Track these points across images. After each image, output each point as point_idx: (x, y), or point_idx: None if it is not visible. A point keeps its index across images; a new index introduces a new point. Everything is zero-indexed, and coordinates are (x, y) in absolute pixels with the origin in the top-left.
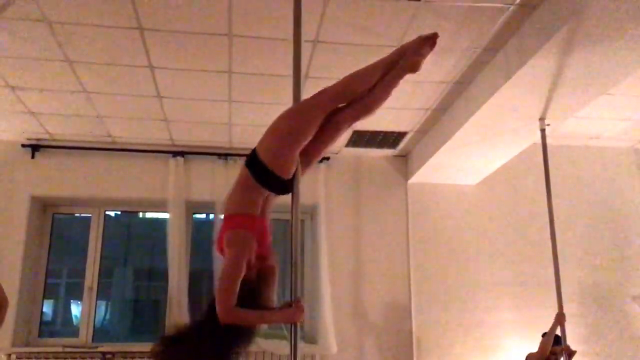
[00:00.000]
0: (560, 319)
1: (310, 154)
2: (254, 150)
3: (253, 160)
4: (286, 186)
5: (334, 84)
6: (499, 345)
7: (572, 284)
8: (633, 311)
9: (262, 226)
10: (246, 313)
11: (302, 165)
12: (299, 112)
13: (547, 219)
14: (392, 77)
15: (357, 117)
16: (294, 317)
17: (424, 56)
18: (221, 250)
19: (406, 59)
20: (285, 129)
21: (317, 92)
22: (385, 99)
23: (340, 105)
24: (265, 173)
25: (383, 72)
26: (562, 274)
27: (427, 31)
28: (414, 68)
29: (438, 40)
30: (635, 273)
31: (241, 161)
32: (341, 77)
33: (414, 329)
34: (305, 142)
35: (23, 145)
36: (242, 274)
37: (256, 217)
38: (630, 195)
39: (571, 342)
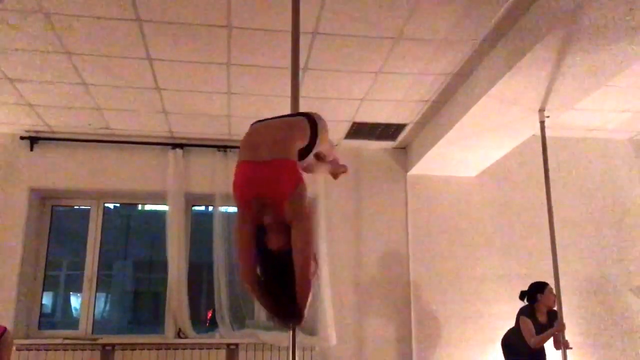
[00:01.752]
0: (561, 328)
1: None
2: (310, 115)
3: (314, 128)
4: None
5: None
6: (498, 337)
7: (571, 275)
8: (632, 303)
9: None
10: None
11: None
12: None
13: (546, 211)
14: None
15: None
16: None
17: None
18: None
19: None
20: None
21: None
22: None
23: None
24: (309, 150)
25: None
26: (561, 266)
27: (426, 23)
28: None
29: (438, 33)
30: (634, 265)
31: None
32: (339, 69)
33: (413, 321)
34: None
35: (22, 138)
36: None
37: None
38: (629, 187)
39: (570, 333)
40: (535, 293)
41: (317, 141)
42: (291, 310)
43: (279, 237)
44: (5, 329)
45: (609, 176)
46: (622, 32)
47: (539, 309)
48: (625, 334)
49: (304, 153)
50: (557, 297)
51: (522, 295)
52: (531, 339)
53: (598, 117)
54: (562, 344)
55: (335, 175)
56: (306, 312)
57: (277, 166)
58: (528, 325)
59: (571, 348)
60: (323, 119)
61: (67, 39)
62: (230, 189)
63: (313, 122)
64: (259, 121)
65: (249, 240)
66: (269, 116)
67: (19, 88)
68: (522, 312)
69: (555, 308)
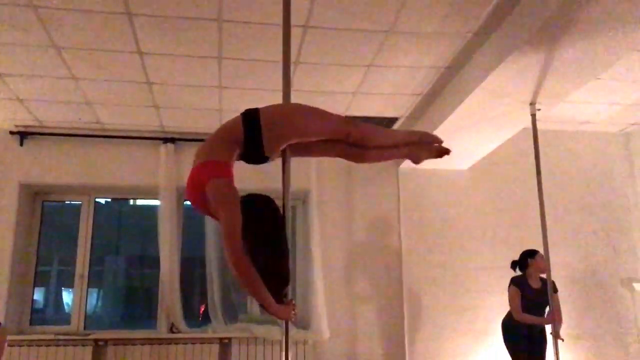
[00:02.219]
0: (551, 320)
1: (296, 150)
2: (257, 112)
3: (252, 121)
4: (261, 160)
5: (363, 128)
6: (490, 329)
7: (562, 267)
8: (622, 295)
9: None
10: (252, 274)
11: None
12: (322, 121)
13: (537, 203)
14: (394, 153)
15: (346, 157)
16: (283, 314)
17: (428, 158)
18: (196, 202)
19: (414, 151)
20: (302, 125)
21: (349, 118)
22: (378, 161)
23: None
24: (257, 140)
25: (394, 144)
26: (552, 258)
27: (418, 16)
28: (414, 161)
29: (429, 26)
30: (625, 257)
31: None
32: (330, 62)
33: (406, 314)
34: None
35: (11, 133)
36: (240, 222)
37: (231, 165)
38: (620, 179)
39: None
40: (525, 258)
41: (265, 130)
42: None
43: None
44: (0, 323)
45: (600, 168)
46: (612, 25)
47: (531, 275)
48: (616, 325)
49: (250, 145)
50: (550, 292)
51: (514, 265)
52: (516, 311)
53: (589, 110)
54: (555, 335)
55: (417, 159)
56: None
57: (195, 169)
58: (513, 295)
59: (562, 340)
60: (287, 105)
61: (56, 32)
62: None
63: (249, 116)
64: None
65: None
66: (277, 104)
67: (8, 82)
68: (511, 281)
69: (545, 275)
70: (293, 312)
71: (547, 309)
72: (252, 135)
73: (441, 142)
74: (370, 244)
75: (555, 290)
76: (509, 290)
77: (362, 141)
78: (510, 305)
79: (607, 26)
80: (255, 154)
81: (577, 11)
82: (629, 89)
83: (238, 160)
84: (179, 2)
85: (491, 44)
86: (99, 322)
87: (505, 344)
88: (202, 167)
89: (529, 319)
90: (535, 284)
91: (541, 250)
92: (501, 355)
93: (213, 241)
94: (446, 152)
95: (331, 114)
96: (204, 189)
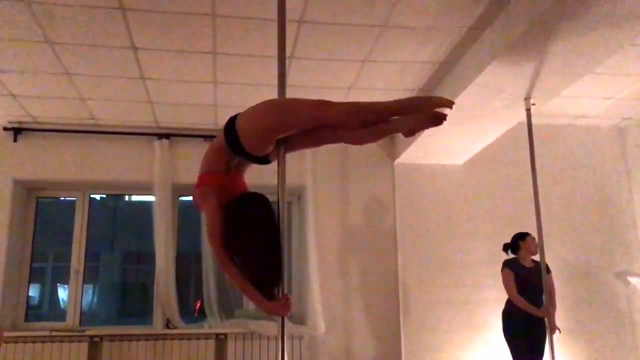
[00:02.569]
0: (545, 314)
1: (291, 145)
2: (234, 118)
3: (230, 128)
4: (257, 159)
5: (340, 107)
6: (485, 323)
7: (557, 261)
8: (617, 288)
9: (232, 180)
10: (235, 276)
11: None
12: (291, 112)
13: (532, 198)
14: (385, 130)
15: (338, 141)
16: (279, 311)
17: (423, 129)
18: (198, 206)
19: (406, 122)
20: (271, 121)
21: (321, 100)
22: (372, 142)
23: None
24: (238, 144)
25: (382, 119)
26: (547, 252)
27: (412, 11)
28: (408, 134)
29: (424, 21)
30: (619, 250)
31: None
32: (325, 57)
33: (401, 309)
34: (288, 134)
35: (5, 129)
36: (218, 221)
37: (220, 173)
38: (614, 174)
39: (556, 319)
40: (517, 241)
41: (242, 135)
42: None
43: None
44: None
45: (594, 163)
46: (606, 19)
47: (522, 257)
48: (610, 318)
49: (235, 150)
50: (544, 271)
51: (506, 247)
52: (512, 292)
53: (583, 105)
54: (550, 328)
55: (409, 131)
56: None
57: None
58: (507, 276)
59: (559, 331)
60: (265, 102)
61: (49, 28)
62: None
63: (228, 123)
64: None
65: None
66: (255, 104)
67: (2, 78)
68: (504, 263)
69: (537, 257)
70: (288, 307)
71: (544, 296)
72: (232, 141)
73: (450, 103)
74: (366, 240)
75: (548, 271)
76: (502, 273)
77: (346, 122)
78: (505, 287)
79: (601, 21)
80: (249, 157)
81: (571, 6)
82: (623, 83)
83: (241, 163)
84: None
85: (486, 39)
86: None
87: (505, 335)
88: (198, 179)
89: (525, 304)
90: (528, 264)
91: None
92: (496, 348)
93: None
94: (442, 117)
95: (303, 102)
96: (195, 197)
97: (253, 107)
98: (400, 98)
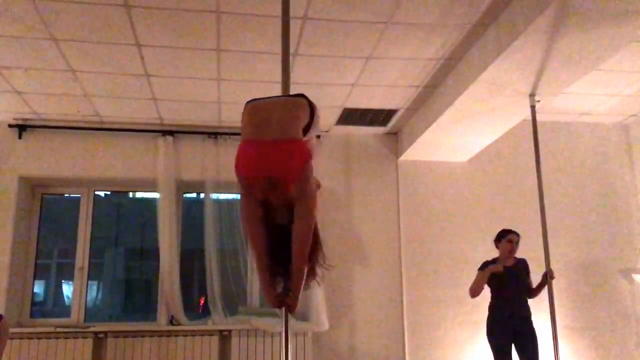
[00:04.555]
0: (549, 274)
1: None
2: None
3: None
4: None
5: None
6: None
7: (562, 258)
8: (621, 285)
9: None
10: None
11: None
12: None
13: (537, 195)
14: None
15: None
16: (279, 304)
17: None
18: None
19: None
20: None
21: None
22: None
23: None
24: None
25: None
26: (551, 249)
27: (416, 7)
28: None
29: (428, 18)
30: (623, 248)
31: (231, 139)
32: (329, 54)
33: (404, 305)
34: None
35: (10, 126)
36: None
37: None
38: (619, 171)
39: (560, 316)
40: (496, 241)
41: (313, 124)
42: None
43: (284, 214)
44: (1, 316)
45: (599, 160)
46: (611, 16)
47: (501, 258)
48: (614, 316)
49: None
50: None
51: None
52: (472, 290)
53: (588, 101)
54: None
55: None
56: (300, 296)
57: (286, 146)
58: (476, 278)
59: (554, 277)
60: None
61: (53, 25)
62: (221, 176)
63: (311, 104)
64: (254, 100)
65: (258, 217)
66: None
67: (7, 75)
68: (482, 265)
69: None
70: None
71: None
72: (309, 124)
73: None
74: (370, 237)
75: (527, 273)
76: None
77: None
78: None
79: (606, 17)
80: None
81: (576, 2)
82: (629, 80)
83: None
84: None
85: (490, 36)
86: (99, 315)
87: (489, 343)
88: (292, 147)
89: (477, 282)
90: (508, 262)
91: (540, 241)
92: None
93: (212, 234)
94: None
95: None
96: (292, 170)
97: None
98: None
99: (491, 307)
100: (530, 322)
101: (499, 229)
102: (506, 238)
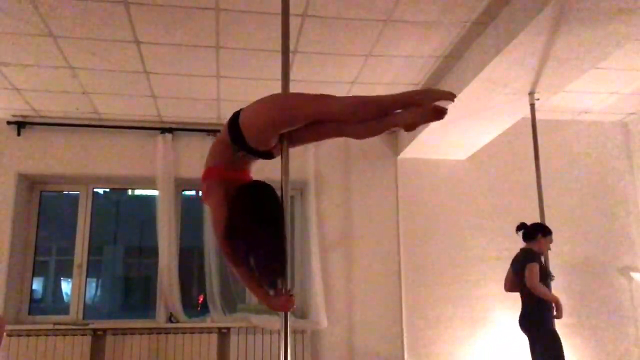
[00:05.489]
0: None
1: (294, 139)
2: (238, 113)
3: (234, 123)
4: (261, 153)
5: (342, 102)
6: (487, 318)
7: (560, 256)
8: (620, 283)
9: (238, 174)
10: (241, 270)
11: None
12: (294, 108)
13: (535, 193)
14: (386, 124)
15: (340, 135)
16: (281, 307)
17: (424, 122)
18: (204, 200)
19: (407, 116)
20: (273, 116)
21: (323, 95)
22: (373, 136)
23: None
24: (241, 139)
25: (384, 112)
26: (550, 247)
27: (416, 5)
28: (408, 128)
29: (428, 15)
30: (622, 246)
31: None
32: (328, 51)
33: (403, 303)
34: (289, 129)
35: (8, 122)
36: (223, 215)
37: (226, 167)
38: (618, 169)
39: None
40: (538, 233)
41: (245, 130)
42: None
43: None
44: None
45: (598, 158)
46: (611, 14)
47: (540, 251)
48: (613, 314)
49: (239, 145)
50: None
51: (522, 228)
52: (537, 286)
53: (588, 100)
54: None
55: (410, 126)
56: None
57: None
58: (537, 271)
59: (553, 277)
60: (262, 100)
61: (53, 21)
62: None
63: (232, 119)
64: None
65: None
66: (258, 99)
67: (5, 72)
68: (533, 254)
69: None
70: (290, 303)
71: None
72: (235, 135)
73: (451, 96)
74: (368, 234)
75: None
76: (532, 267)
77: (348, 116)
78: (533, 281)
79: (605, 15)
80: (253, 151)
81: (576, 0)
82: (628, 78)
83: (247, 158)
84: None
85: (490, 33)
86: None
87: (556, 340)
88: (203, 173)
89: (547, 295)
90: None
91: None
92: (497, 344)
93: (211, 231)
94: (443, 111)
95: (306, 97)
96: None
97: (256, 102)
98: (401, 92)
99: (544, 305)
100: None
101: (498, 228)
102: (550, 236)
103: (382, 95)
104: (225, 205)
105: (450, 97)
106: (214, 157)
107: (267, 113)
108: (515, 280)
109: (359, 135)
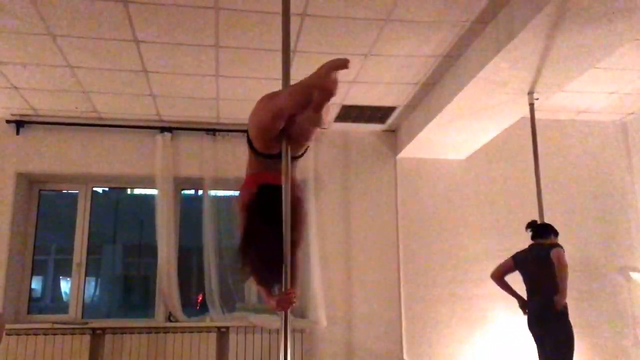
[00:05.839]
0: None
1: (294, 139)
2: None
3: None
4: (273, 156)
5: (283, 92)
6: (486, 317)
7: None
8: (619, 283)
9: (269, 176)
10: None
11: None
12: (256, 115)
13: (535, 193)
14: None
15: (302, 127)
16: (281, 306)
17: (322, 102)
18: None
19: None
20: (253, 124)
21: (268, 95)
22: (318, 117)
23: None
24: (252, 146)
25: (312, 94)
26: None
27: (416, 4)
28: (316, 110)
29: (427, 15)
30: (621, 245)
31: (229, 136)
32: (328, 50)
33: (402, 302)
34: (277, 132)
35: (7, 121)
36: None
37: (256, 174)
38: (617, 168)
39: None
40: (551, 233)
41: (251, 134)
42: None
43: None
44: None
45: (597, 158)
46: (610, 13)
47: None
48: (612, 314)
49: (256, 150)
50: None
51: (532, 225)
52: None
53: (587, 99)
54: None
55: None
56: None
57: None
58: (564, 252)
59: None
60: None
61: (51, 20)
62: (219, 173)
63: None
64: None
65: None
66: (258, 98)
67: (4, 71)
68: (552, 245)
69: None
70: (289, 301)
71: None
72: (248, 140)
73: (343, 64)
74: (368, 234)
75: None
76: (561, 250)
77: (294, 104)
78: (565, 270)
79: (605, 15)
80: (265, 155)
81: (575, 1)
82: (627, 78)
83: (272, 161)
84: None
85: (489, 33)
86: (97, 311)
87: (567, 333)
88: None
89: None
90: None
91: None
92: (496, 344)
93: (210, 230)
94: (331, 88)
95: (265, 99)
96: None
97: (254, 108)
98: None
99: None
100: None
101: (497, 227)
102: (557, 238)
103: (309, 75)
104: (242, 209)
105: (343, 65)
106: (248, 165)
107: (251, 121)
108: (526, 273)
109: (311, 123)
